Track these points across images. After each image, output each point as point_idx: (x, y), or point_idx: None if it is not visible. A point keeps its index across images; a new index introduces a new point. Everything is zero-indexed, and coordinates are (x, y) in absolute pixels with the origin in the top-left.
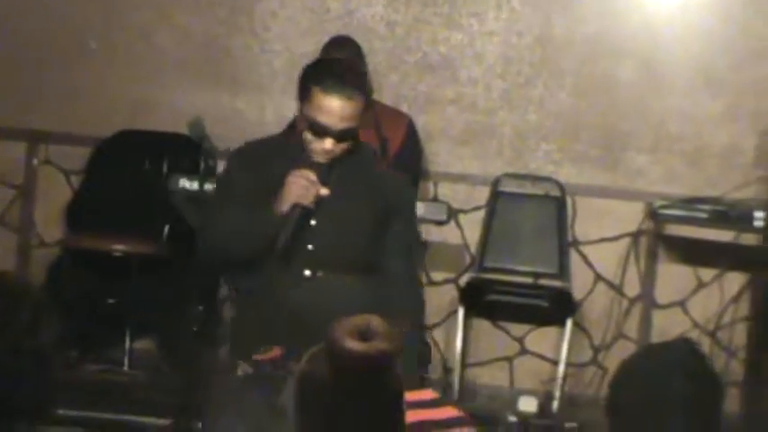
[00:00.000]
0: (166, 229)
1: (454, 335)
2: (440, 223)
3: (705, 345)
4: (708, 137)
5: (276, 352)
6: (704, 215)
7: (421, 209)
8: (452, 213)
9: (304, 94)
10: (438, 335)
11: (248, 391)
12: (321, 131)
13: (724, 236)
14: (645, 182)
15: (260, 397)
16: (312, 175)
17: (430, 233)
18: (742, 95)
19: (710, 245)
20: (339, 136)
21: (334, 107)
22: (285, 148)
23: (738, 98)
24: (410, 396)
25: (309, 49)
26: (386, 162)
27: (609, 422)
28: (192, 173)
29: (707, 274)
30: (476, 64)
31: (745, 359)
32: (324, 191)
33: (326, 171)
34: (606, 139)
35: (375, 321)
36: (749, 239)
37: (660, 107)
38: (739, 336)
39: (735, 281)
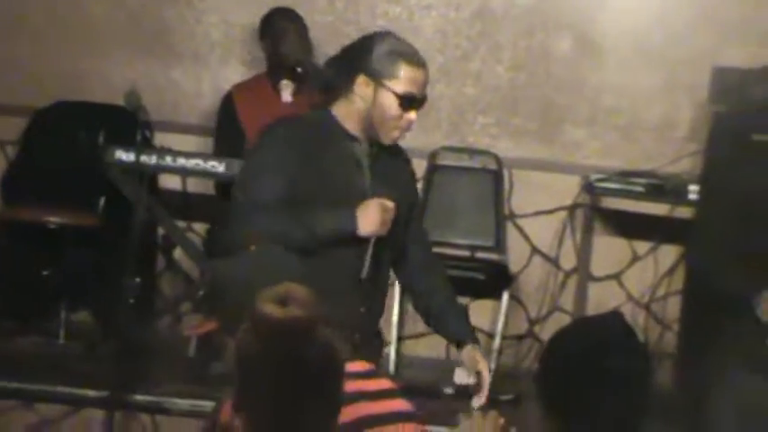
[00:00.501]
0: (102, 200)
1: (391, 307)
2: None
3: (640, 317)
4: (643, 111)
5: (211, 325)
6: (640, 189)
7: None
8: None
9: (392, 71)
10: None
11: None
12: (413, 103)
13: (659, 209)
14: (581, 155)
15: None
16: (392, 205)
17: None
18: (677, 70)
19: (646, 218)
20: (418, 105)
21: (420, 77)
22: (322, 126)
23: (674, 72)
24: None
25: (246, 20)
26: None
27: (539, 393)
28: (128, 144)
29: (642, 247)
30: (414, 38)
31: (678, 331)
32: None
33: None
34: (543, 113)
35: (296, 290)
36: (684, 213)
37: (597, 81)
38: (673, 308)
39: (669, 254)
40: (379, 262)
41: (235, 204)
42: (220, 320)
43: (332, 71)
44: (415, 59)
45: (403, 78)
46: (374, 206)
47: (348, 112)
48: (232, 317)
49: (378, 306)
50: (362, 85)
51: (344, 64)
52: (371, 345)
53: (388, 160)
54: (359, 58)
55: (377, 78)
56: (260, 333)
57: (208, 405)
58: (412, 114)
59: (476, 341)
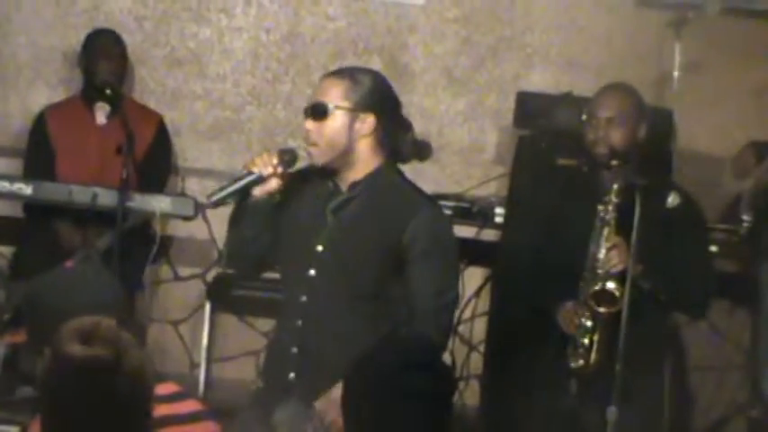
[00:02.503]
0: None
1: (201, 330)
2: (186, 218)
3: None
4: (450, 135)
5: (20, 336)
6: (447, 211)
7: (167, 204)
8: (199, 208)
9: None
10: (184, 330)
11: (251, 409)
12: (305, 113)
13: (466, 232)
14: None
15: (258, 414)
16: (274, 156)
17: (177, 228)
18: (483, 94)
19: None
20: (311, 111)
21: (316, 88)
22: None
23: (479, 97)
24: None
25: (54, 43)
26: (132, 157)
27: (344, 415)
28: None
29: None
30: (224, 59)
31: (484, 352)
32: (279, 168)
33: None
34: None
35: (104, 325)
36: (490, 235)
37: (405, 104)
38: (479, 329)
39: (476, 276)
40: (329, 301)
41: None
42: (30, 336)
43: None
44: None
45: None
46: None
47: None
48: (42, 333)
49: (320, 347)
50: None
51: None
52: (312, 386)
53: (375, 207)
54: None
55: None
56: (61, 371)
57: (11, 430)
58: (306, 124)
59: None
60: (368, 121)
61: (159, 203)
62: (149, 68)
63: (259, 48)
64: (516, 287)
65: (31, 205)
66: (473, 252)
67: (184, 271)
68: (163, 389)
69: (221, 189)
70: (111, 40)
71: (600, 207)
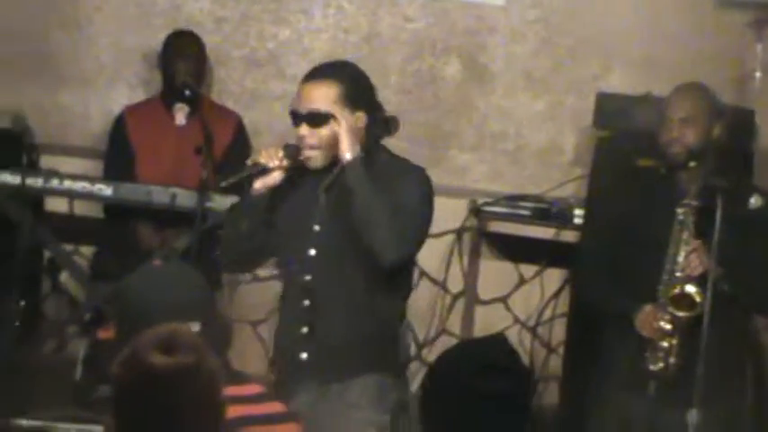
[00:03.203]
0: None
1: None
2: None
3: (526, 340)
4: (529, 136)
5: (109, 332)
6: (526, 212)
7: None
8: None
9: None
10: (264, 330)
11: None
12: (294, 119)
13: (545, 233)
14: (468, 179)
15: None
16: (279, 150)
17: None
18: (562, 95)
19: (532, 242)
20: (308, 119)
21: (303, 92)
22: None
23: (558, 98)
24: (233, 391)
25: (136, 44)
26: (211, 158)
27: (422, 415)
28: (14, 167)
29: (528, 270)
30: (303, 60)
31: (564, 354)
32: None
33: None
34: (430, 137)
35: (181, 332)
36: (569, 236)
37: (483, 106)
38: (558, 331)
39: (555, 277)
40: (333, 278)
41: None
42: (119, 333)
43: None
44: (305, 77)
45: (295, 98)
46: None
47: None
48: (133, 331)
49: (330, 324)
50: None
51: None
52: (325, 364)
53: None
54: None
55: None
56: (142, 380)
57: (95, 429)
58: (301, 129)
59: None
60: (361, 118)
61: None
62: (228, 69)
63: (337, 48)
64: (595, 289)
65: (110, 206)
66: (552, 253)
67: (262, 271)
68: (247, 389)
69: (229, 176)
70: (191, 41)
71: (678, 210)
